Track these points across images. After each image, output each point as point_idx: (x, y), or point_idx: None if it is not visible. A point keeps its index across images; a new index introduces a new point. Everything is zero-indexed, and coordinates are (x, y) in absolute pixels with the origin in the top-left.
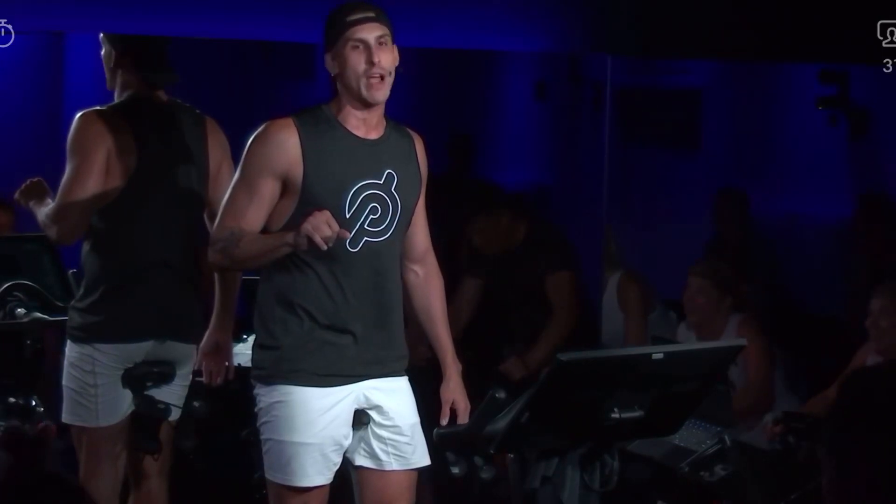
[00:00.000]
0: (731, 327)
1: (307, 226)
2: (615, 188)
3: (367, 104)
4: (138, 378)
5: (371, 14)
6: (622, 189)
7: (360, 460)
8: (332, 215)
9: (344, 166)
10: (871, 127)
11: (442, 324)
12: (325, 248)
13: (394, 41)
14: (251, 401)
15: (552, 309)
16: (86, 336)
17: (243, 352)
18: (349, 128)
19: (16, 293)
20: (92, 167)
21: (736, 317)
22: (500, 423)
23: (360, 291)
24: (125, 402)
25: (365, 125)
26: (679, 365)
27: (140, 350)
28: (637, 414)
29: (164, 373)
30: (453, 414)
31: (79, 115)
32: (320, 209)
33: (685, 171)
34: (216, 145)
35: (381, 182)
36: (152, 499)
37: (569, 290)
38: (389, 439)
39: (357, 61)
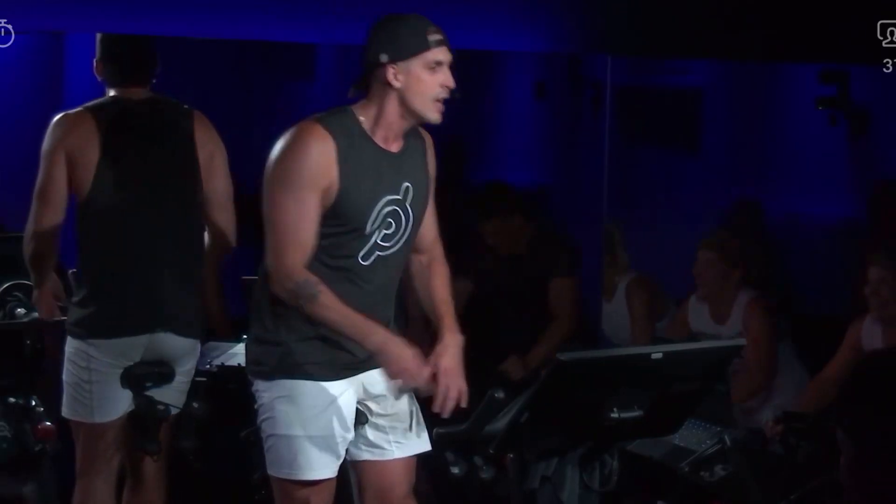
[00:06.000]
0: (740, 303)
1: (395, 373)
2: (615, 188)
3: (418, 123)
4: (138, 378)
5: (445, 36)
6: (622, 189)
7: (361, 455)
8: (353, 233)
9: (373, 183)
10: (871, 127)
11: (441, 296)
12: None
13: None
14: (251, 400)
15: (554, 313)
16: (80, 332)
17: (243, 352)
18: (377, 140)
19: (16, 293)
20: (53, 183)
21: (746, 293)
22: (500, 423)
23: (365, 300)
24: (122, 399)
25: (393, 139)
26: (678, 365)
27: (135, 345)
28: (636, 414)
29: (163, 373)
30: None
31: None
32: (347, 225)
33: (685, 171)
34: (205, 136)
35: (400, 197)
36: (149, 489)
37: (571, 296)
38: (389, 427)
39: (432, 83)
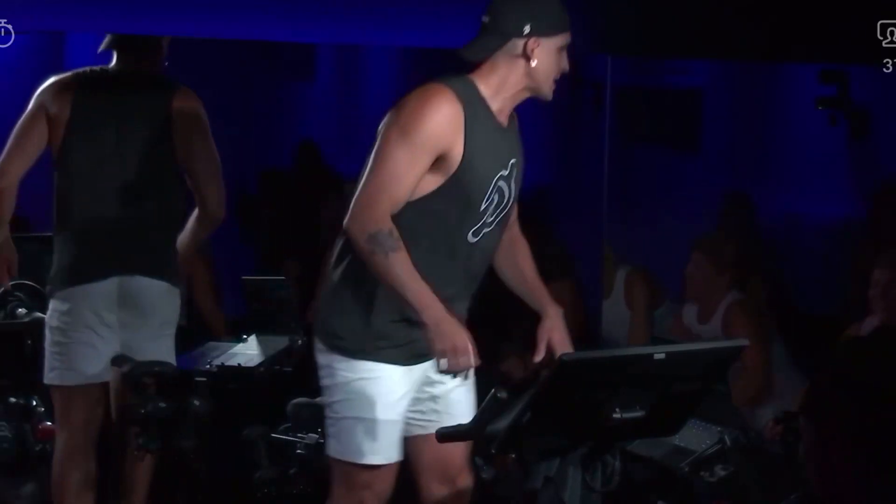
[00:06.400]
0: (723, 305)
1: (445, 350)
2: (615, 188)
3: (532, 97)
4: (137, 378)
5: None
6: (622, 189)
7: (415, 430)
8: (469, 208)
9: (491, 156)
10: (871, 127)
11: (530, 272)
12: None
13: None
14: (252, 399)
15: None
16: (53, 288)
17: (243, 352)
18: (495, 112)
19: (16, 293)
20: (26, 132)
21: (731, 295)
22: (502, 423)
23: (464, 276)
24: (95, 360)
25: (507, 112)
26: (680, 365)
27: (106, 293)
28: (638, 414)
29: (163, 372)
30: (549, 350)
31: None
32: (465, 199)
33: (685, 171)
34: (184, 107)
35: (507, 172)
36: (140, 488)
37: (570, 299)
38: (430, 397)
39: (558, 64)
